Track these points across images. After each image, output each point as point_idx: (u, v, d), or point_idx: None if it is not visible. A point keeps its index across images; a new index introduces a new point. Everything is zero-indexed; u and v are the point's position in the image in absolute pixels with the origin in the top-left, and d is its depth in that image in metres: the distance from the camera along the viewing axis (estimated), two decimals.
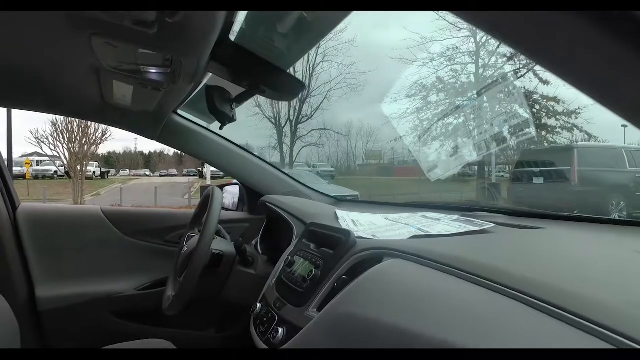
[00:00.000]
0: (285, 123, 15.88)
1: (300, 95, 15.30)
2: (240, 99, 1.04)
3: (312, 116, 15.90)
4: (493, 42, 9.49)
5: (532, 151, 7.77)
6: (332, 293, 0.88)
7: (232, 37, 0.93)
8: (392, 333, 0.68)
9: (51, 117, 14.70)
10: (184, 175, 25.01)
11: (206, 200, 1.46)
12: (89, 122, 14.94)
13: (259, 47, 0.93)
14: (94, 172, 20.57)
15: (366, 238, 0.97)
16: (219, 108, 0.98)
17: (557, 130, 8.69)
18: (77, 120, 14.78)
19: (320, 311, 0.86)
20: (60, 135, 14.84)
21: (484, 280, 0.65)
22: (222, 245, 1.32)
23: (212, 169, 17.18)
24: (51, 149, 14.72)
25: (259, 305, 1.10)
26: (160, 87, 1.16)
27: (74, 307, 1.61)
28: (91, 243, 1.68)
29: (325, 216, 1.30)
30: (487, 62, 9.57)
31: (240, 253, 1.31)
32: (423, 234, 0.97)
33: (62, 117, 14.71)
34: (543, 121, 8.82)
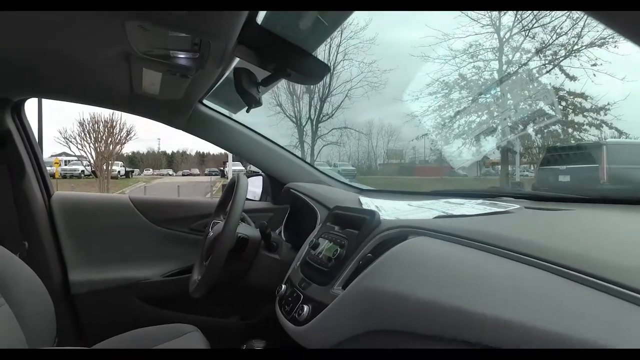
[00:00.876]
0: (306, 122, 15.93)
1: (321, 94, 15.27)
2: (266, 82, 1.05)
3: (332, 115, 15.90)
4: (517, 38, 9.32)
5: (558, 148, 7.60)
6: (357, 271, 0.89)
7: (259, 20, 0.95)
8: (419, 305, 0.69)
9: (79, 117, 15.15)
10: (206, 175, 25.32)
11: (231, 187, 1.49)
12: (114, 122, 15.38)
13: (284, 30, 0.95)
14: (119, 172, 21.01)
15: (390, 219, 0.98)
16: (247, 89, 1.00)
17: (585, 127, 8.45)
18: (102, 119, 15.22)
19: (345, 288, 0.87)
20: (87, 135, 15.29)
21: (510, 253, 0.65)
22: (247, 229, 1.35)
23: (234, 168, 17.40)
24: (78, 149, 15.17)
25: (283, 286, 1.12)
26: (188, 74, 1.19)
27: (103, 292, 1.66)
28: (120, 230, 1.73)
29: (349, 202, 1.31)
30: (510, 59, 9.39)
31: (265, 237, 1.33)
32: (447, 215, 0.98)
33: (88, 117, 15.11)
34: (570, 118, 8.59)
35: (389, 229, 0.91)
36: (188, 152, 37.18)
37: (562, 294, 0.53)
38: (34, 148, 1.65)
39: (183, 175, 27.87)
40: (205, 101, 1.64)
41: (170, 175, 27.72)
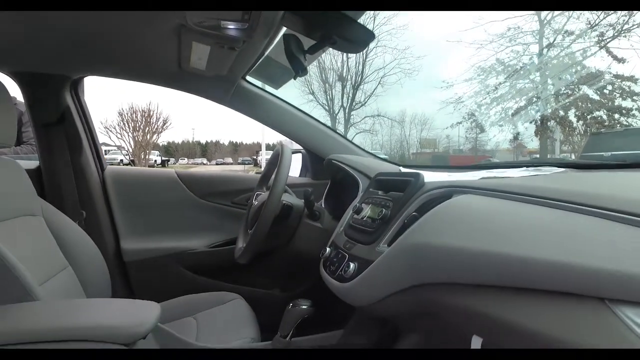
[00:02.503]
0: (339, 110, 15.92)
1: (353, 82, 15.15)
2: (312, 50, 1.08)
3: (365, 102, 15.82)
4: (559, 19, 8.94)
5: (603, 135, 7.28)
6: (402, 229, 0.92)
7: None
8: (467, 256, 0.71)
9: (118, 107, 15.66)
10: (239, 164, 25.74)
11: (274, 160, 1.54)
12: (151, 112, 15.83)
13: None
14: (155, 161, 21.62)
15: (434, 180, 1.00)
16: (296, 55, 1.03)
17: (634, 112, 8.04)
18: (140, 109, 15.68)
19: (391, 245, 0.90)
20: (126, 125, 15.80)
21: (559, 202, 0.66)
22: (291, 198, 1.40)
23: (268, 157, 17.55)
24: (118, 138, 15.70)
25: (328, 249, 1.16)
26: (236, 45, 1.23)
27: (152, 260, 1.76)
28: (167, 203, 1.82)
29: (390, 171, 1.34)
30: (552, 42, 9.05)
31: (308, 205, 1.37)
32: (492, 177, 0.99)
33: (127, 107, 15.56)
34: (617, 103, 8.20)
35: (434, 189, 0.93)
36: (221, 142, 37.89)
37: (618, 236, 0.54)
38: (89, 124, 1.75)
39: (217, 164, 28.46)
40: (247, 77, 1.69)
41: (204, 164, 28.36)
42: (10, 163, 1.28)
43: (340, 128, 15.79)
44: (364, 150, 1.79)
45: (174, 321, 1.39)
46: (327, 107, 15.99)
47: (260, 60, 1.48)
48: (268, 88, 1.77)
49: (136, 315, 0.97)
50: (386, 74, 15.67)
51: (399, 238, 0.88)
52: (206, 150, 37.09)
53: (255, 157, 23.65)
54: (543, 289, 0.57)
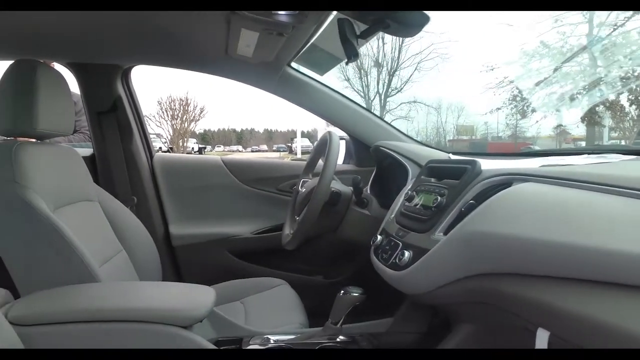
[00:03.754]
0: (374, 96, 15.72)
1: (389, 68, 14.89)
2: (365, 35, 1.06)
3: (401, 89, 15.54)
4: None
5: None
6: (459, 217, 0.90)
7: None
8: (531, 245, 0.68)
9: (157, 96, 16.09)
10: (274, 151, 25.96)
11: (321, 146, 1.53)
12: (189, 100, 16.17)
13: None
14: (193, 148, 22.08)
15: (492, 168, 0.96)
16: (350, 39, 1.01)
17: None
18: (178, 98, 16.03)
19: (447, 234, 0.88)
20: (165, 113, 16.22)
21: (627, 190, 0.64)
22: (339, 185, 1.39)
23: (303, 144, 17.66)
24: (157, 126, 16.14)
25: (379, 237, 1.15)
26: (285, 32, 1.22)
27: (198, 245, 1.80)
28: (213, 189, 1.85)
29: (441, 159, 1.31)
30: (604, 20, 8.54)
31: (357, 192, 1.36)
32: (553, 164, 0.95)
33: (165, 96, 15.93)
34: None
35: (493, 176, 0.90)
36: (256, 130, 38.29)
37: None
38: (139, 112, 1.80)
39: (252, 151, 28.78)
40: (293, 64, 1.68)
41: (239, 151, 28.72)
42: (69, 150, 1.34)
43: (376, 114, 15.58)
44: (409, 137, 1.75)
45: (222, 305, 1.42)
46: (362, 94, 15.83)
47: (307, 46, 1.47)
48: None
49: (194, 299, 1.00)
50: (423, 59, 15.32)
51: (457, 226, 0.86)
52: (241, 137, 37.56)
53: (289, 144, 23.78)
54: (626, 284, 0.55)
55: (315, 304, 1.52)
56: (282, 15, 1.10)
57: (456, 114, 17.74)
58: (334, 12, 1.11)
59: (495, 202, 0.81)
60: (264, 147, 30.68)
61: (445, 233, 0.91)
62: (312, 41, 1.42)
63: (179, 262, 1.80)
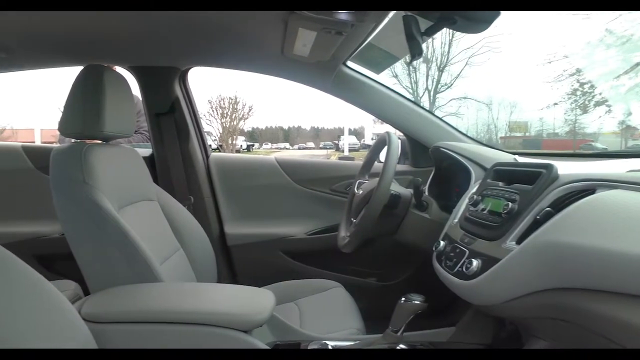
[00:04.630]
0: (423, 93, 15.38)
1: (439, 63, 14.54)
2: (429, 32, 1.01)
3: (451, 85, 15.12)
4: None
5: None
6: (533, 225, 0.84)
7: None
8: (625, 261, 0.62)
9: (207, 95, 16.59)
10: (320, 148, 26.06)
11: (378, 146, 1.50)
12: (238, 99, 16.54)
13: None
14: (241, 146, 22.55)
15: (570, 173, 0.89)
16: (415, 36, 0.97)
17: None
18: (228, 97, 16.42)
19: (521, 243, 0.83)
20: (215, 112, 16.67)
21: None
22: (398, 187, 1.35)
23: (350, 141, 17.66)
24: (207, 124, 16.61)
25: (442, 242, 1.10)
26: (344, 30, 1.20)
27: (253, 245, 1.81)
28: (267, 189, 1.86)
29: (506, 160, 1.24)
30: None
31: (417, 195, 1.32)
32: None
33: (215, 96, 16.39)
34: None
35: (572, 182, 0.83)
36: (303, 127, 38.62)
37: None
38: (195, 113, 1.84)
39: (299, 148, 29.03)
40: (348, 63, 1.65)
41: (287, 148, 29.08)
42: (131, 151, 1.38)
43: None
44: (470, 137, 1.68)
45: (276, 306, 1.42)
46: (411, 90, 15.54)
47: (363, 44, 1.43)
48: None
49: (255, 304, 1.00)
50: (474, 54, 14.82)
51: (532, 235, 0.80)
52: (288, 135, 38.02)
53: (336, 141, 23.78)
54: None
55: (369, 306, 1.50)
56: (343, 13, 1.07)
57: (508, 110, 17.05)
58: (388, 16, 1.08)
59: (576, 210, 0.75)
60: (311, 144, 30.87)
61: (518, 242, 0.85)
62: (369, 39, 1.39)
63: (233, 261, 1.82)
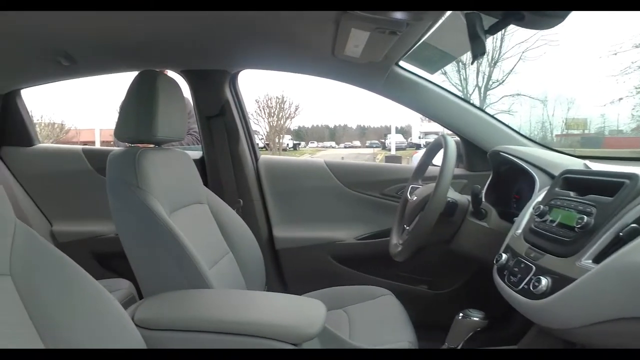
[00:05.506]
0: (473, 90, 14.90)
1: (490, 59, 14.02)
2: (493, 30, 0.94)
3: (503, 81, 14.55)
4: None
5: None
6: (614, 244, 0.75)
7: None
8: None
9: (255, 95, 16.91)
10: (366, 147, 25.86)
11: (432, 150, 1.43)
12: (285, 98, 16.73)
13: None
14: (288, 144, 22.78)
15: None
16: (479, 35, 0.90)
17: None
18: (275, 96, 16.65)
19: (599, 262, 0.74)
20: (262, 111, 16.96)
21: None
22: (455, 194, 1.28)
23: (397, 140, 17.41)
24: (255, 123, 16.93)
25: (504, 255, 1.02)
26: (399, 30, 1.14)
27: (301, 249, 1.79)
28: (316, 192, 1.83)
29: (576, 167, 1.14)
30: None
31: (475, 203, 1.24)
32: None
33: (262, 95, 16.66)
34: None
35: None
36: (349, 126, 38.49)
37: None
38: (245, 116, 1.84)
39: (345, 147, 28.94)
40: (400, 63, 1.59)
41: (332, 147, 29.06)
42: (183, 154, 1.39)
43: None
44: (533, 140, 1.57)
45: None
46: (460, 87, 15.08)
47: (418, 43, 1.37)
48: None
49: (307, 315, 0.97)
50: (528, 48, 14.18)
51: (614, 255, 0.72)
52: (334, 133, 38.02)
53: (382, 140, 23.53)
54: None
55: (420, 315, 1.44)
56: (399, 12, 1.02)
57: (565, 107, 16.17)
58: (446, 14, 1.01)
59: None
60: (357, 143, 30.68)
61: (596, 261, 0.76)
62: (424, 38, 1.32)
63: (281, 265, 1.81)
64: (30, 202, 1.91)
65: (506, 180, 1.43)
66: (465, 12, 0.91)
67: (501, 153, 1.37)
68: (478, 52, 0.92)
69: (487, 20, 0.96)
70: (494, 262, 1.04)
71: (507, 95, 14.74)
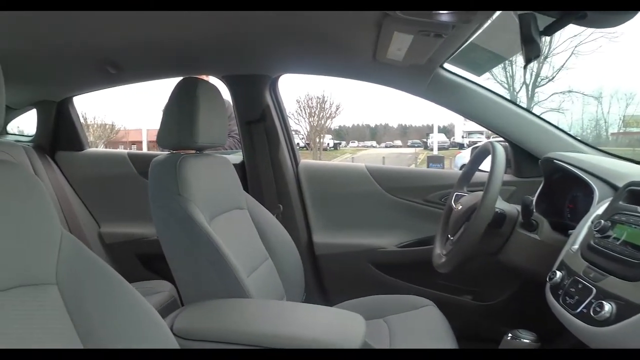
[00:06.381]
0: (520, 87, 14.33)
1: (541, 56, 13.54)
2: (550, 30, 0.87)
3: (553, 77, 13.91)
4: None
5: None
6: None
7: None
8: None
9: (295, 95, 17.03)
10: (408, 146, 25.47)
11: (478, 157, 1.36)
12: (326, 98, 16.74)
13: None
14: (328, 144, 22.77)
15: None
16: (534, 37, 0.84)
17: None
18: (315, 96, 16.71)
19: None
20: (302, 111, 17.05)
21: None
22: (503, 204, 1.21)
23: (439, 140, 17.00)
24: (295, 123, 17.03)
25: (558, 273, 0.95)
26: (444, 32, 1.09)
27: (341, 255, 1.76)
28: (356, 197, 1.79)
29: None
30: None
31: (526, 214, 1.17)
32: None
33: (303, 95, 16.77)
34: None
35: None
36: (390, 125, 38.08)
37: None
38: (285, 121, 1.83)
39: (386, 146, 28.61)
40: (445, 65, 1.53)
41: (373, 147, 28.79)
42: (223, 160, 1.40)
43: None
44: (590, 145, 1.47)
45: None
46: (506, 85, 14.53)
47: (464, 45, 1.31)
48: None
49: (347, 330, 0.95)
50: (582, 42, 13.48)
51: None
52: (375, 133, 37.71)
53: (424, 139, 23.09)
54: None
55: (463, 327, 1.39)
56: (445, 14, 0.97)
57: (623, 103, 15.25)
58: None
59: None
60: (398, 142, 30.21)
61: None
62: (472, 39, 1.26)
63: (321, 271, 1.79)
64: (80, 205, 1.98)
65: (559, 188, 1.34)
66: (519, 12, 0.84)
67: (555, 161, 1.28)
68: (532, 55, 0.86)
69: (542, 19, 0.89)
70: (547, 279, 0.97)
71: (557, 93, 14.07)
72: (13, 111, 2.00)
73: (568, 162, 1.23)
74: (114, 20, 1.16)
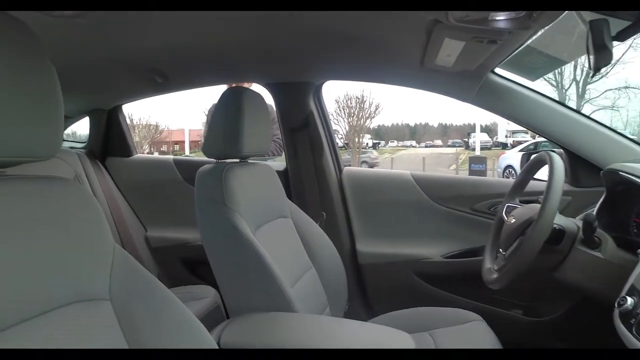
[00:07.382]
0: (570, 84, 13.68)
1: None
2: (623, 36, 0.80)
3: (607, 73, 13.19)
4: None
5: None
6: None
7: None
8: None
9: (334, 95, 17.04)
10: (448, 146, 24.97)
11: (532, 167, 1.29)
12: (365, 98, 16.66)
13: None
14: (367, 144, 22.66)
15: None
16: (606, 44, 0.77)
17: None
18: (354, 96, 16.66)
19: None
20: (342, 111, 17.05)
21: None
22: (562, 219, 1.14)
23: (482, 139, 16.56)
24: (335, 123, 17.06)
25: (629, 299, 0.88)
26: (499, 38, 1.04)
27: (385, 265, 1.72)
28: (401, 206, 1.75)
29: None
30: None
31: (588, 231, 1.09)
32: None
33: (342, 95, 16.75)
34: None
35: None
36: (430, 124, 37.39)
37: None
38: (329, 127, 1.82)
39: (426, 146, 28.16)
40: (496, 70, 1.46)
41: (413, 146, 28.44)
42: (267, 168, 1.40)
43: (571, 105, 13.56)
44: None
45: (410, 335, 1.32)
46: (554, 82, 13.92)
47: (520, 48, 1.24)
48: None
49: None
50: None
51: None
52: (415, 132, 37.13)
53: (466, 139, 22.55)
54: None
55: (512, 343, 1.33)
56: (501, 20, 0.92)
57: None
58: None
59: None
60: (439, 142, 29.68)
61: None
62: (527, 43, 1.20)
63: (364, 281, 1.76)
64: (128, 209, 2.05)
65: (623, 201, 1.25)
66: (590, 20, 0.78)
67: (619, 172, 1.19)
68: (603, 63, 0.79)
69: (614, 23, 0.83)
70: (616, 305, 0.89)
71: (611, 89, 13.33)
72: (69, 119, 2.09)
73: (635, 175, 1.14)
74: (161, 30, 1.19)
